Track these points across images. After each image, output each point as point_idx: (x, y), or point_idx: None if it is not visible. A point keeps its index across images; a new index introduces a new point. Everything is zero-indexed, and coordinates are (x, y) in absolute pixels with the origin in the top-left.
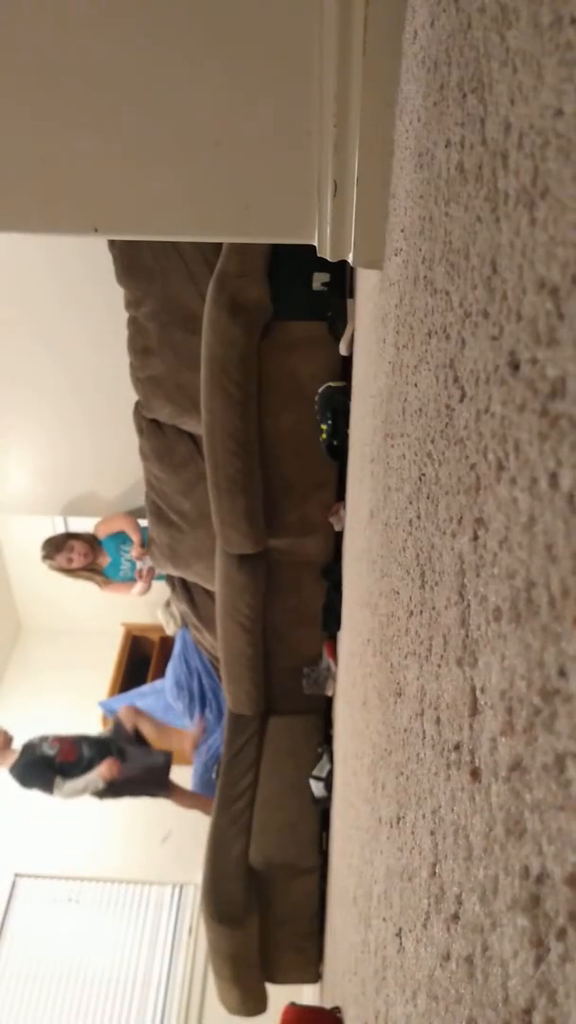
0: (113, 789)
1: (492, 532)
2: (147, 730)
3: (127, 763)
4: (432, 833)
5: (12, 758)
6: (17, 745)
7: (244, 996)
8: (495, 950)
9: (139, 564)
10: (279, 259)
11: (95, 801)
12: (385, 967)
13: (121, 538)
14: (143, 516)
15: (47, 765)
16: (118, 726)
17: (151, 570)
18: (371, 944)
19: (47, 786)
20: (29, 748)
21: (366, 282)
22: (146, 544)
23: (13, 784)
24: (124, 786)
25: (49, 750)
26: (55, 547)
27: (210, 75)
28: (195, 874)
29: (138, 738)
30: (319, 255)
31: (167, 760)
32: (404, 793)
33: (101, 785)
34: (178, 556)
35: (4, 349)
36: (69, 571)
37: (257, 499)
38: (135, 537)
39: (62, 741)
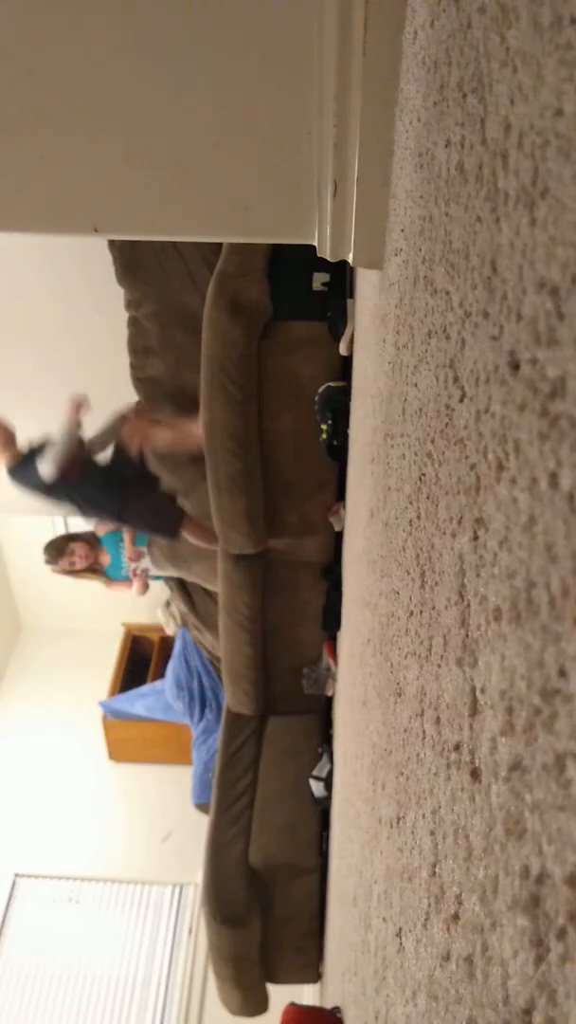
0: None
1: (492, 532)
2: (162, 438)
3: (133, 503)
4: (432, 833)
5: (14, 453)
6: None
7: (246, 997)
8: (495, 950)
9: (132, 565)
10: (279, 259)
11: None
12: (385, 967)
13: (119, 535)
14: None
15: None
16: (120, 455)
17: (144, 571)
18: (371, 944)
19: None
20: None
21: (366, 282)
22: (144, 543)
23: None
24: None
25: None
26: (57, 552)
27: (210, 76)
28: (195, 874)
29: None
30: (319, 255)
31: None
32: (404, 793)
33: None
34: (178, 556)
35: (4, 349)
36: (73, 573)
37: (257, 499)
38: (127, 535)
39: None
